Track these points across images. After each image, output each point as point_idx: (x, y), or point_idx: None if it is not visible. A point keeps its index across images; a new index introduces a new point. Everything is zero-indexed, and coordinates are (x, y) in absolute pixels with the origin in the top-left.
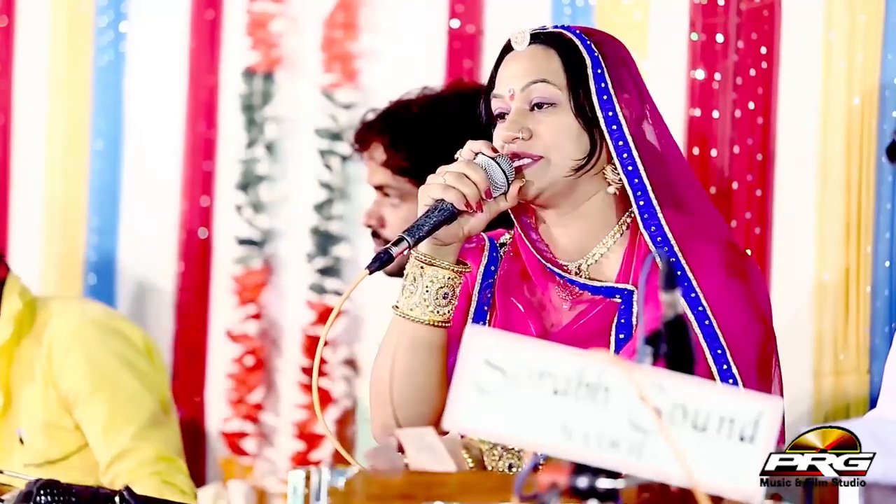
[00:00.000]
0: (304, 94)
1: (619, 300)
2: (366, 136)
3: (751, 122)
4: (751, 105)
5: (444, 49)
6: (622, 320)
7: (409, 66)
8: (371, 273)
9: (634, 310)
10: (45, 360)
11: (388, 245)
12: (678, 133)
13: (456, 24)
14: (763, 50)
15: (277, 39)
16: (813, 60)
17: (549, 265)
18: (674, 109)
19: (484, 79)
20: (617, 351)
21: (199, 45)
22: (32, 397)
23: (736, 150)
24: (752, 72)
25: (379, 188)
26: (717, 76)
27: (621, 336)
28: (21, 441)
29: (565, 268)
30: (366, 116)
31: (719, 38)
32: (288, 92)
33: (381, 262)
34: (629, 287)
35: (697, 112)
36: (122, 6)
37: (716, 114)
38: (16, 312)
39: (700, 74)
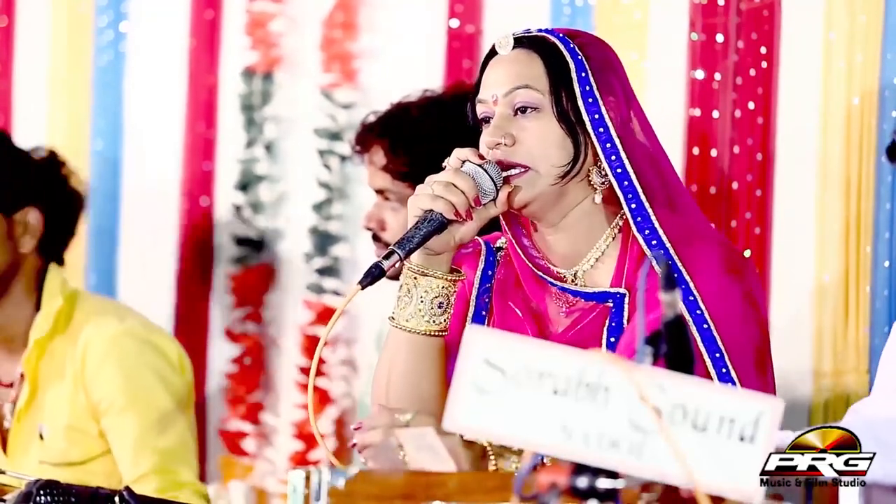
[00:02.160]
0: (304, 93)
1: (611, 304)
2: (366, 139)
3: (751, 122)
4: (751, 105)
5: (444, 49)
6: (613, 323)
7: (409, 66)
8: (363, 288)
9: (625, 312)
10: (79, 362)
11: (378, 259)
12: (678, 133)
13: (455, 23)
14: (763, 50)
15: (277, 39)
16: (813, 60)
17: (541, 274)
18: (674, 109)
19: None
20: None
21: (198, 45)
22: (59, 396)
23: (736, 150)
24: (752, 72)
25: (379, 192)
26: (717, 76)
27: (612, 339)
28: (41, 437)
29: (560, 276)
30: (366, 119)
31: (719, 38)
32: (287, 92)
33: (372, 276)
34: (621, 290)
35: (697, 112)
36: (122, 6)
37: (716, 114)
38: (56, 309)
39: (700, 74)
